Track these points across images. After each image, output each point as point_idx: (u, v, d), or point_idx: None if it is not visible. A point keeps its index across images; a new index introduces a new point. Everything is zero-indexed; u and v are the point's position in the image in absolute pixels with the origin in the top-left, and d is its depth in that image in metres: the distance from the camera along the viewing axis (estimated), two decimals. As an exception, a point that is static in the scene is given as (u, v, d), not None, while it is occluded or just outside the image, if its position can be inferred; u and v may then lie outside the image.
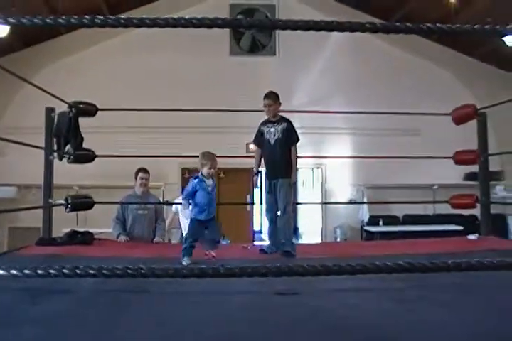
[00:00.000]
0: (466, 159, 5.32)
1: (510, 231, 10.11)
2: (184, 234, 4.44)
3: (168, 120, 8.86)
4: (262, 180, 4.74)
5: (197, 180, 3.70)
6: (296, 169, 4.63)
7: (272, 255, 4.29)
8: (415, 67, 10.69)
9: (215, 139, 9.57)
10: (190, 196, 3.68)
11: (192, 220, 3.72)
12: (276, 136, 4.53)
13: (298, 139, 4.63)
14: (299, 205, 13.06)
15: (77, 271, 2.22)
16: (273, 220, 4.53)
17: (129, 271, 2.22)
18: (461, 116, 5.23)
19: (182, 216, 6.45)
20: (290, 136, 4.58)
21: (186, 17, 2.12)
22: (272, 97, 4.61)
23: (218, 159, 6.73)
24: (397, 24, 2.13)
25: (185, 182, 10.38)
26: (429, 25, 2.09)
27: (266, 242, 4.89)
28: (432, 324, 2.16)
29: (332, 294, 2.72)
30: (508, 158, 10.23)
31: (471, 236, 5.21)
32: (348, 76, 10.46)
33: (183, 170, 10.37)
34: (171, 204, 7.57)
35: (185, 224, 6.98)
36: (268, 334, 2.08)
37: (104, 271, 2.22)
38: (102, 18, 2.01)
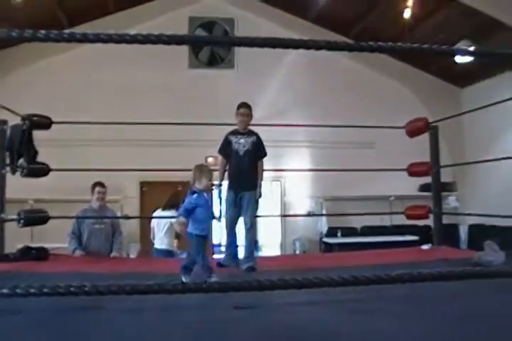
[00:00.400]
0: (419, 171, 5.47)
1: (462, 240, 10.37)
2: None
3: (127, 133, 8.76)
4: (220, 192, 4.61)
5: (195, 195, 3.45)
6: (261, 185, 4.57)
7: (230, 268, 4.26)
8: (372, 82, 10.90)
9: (175, 153, 9.53)
10: (188, 213, 3.41)
11: (195, 237, 3.42)
12: (246, 148, 4.47)
13: (266, 154, 4.61)
14: (258, 218, 13.05)
15: (31, 291, 2.13)
16: (234, 233, 4.47)
17: (86, 288, 2.16)
18: (413, 130, 5.39)
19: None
20: (259, 150, 4.55)
21: (143, 33, 2.11)
22: (249, 108, 4.61)
23: (177, 173, 6.72)
24: (351, 42, 2.20)
25: (144, 195, 10.33)
26: (380, 43, 2.14)
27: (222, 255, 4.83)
28: (384, 335, 2.21)
29: (289, 307, 2.74)
30: (459, 169, 10.54)
31: (425, 246, 5.35)
32: (306, 89, 10.58)
33: (142, 184, 10.26)
34: (130, 218, 7.53)
35: None
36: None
37: (59, 290, 2.14)
38: (44, 32, 2.00)
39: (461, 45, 8.42)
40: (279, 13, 10.73)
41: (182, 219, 3.33)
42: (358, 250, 8.89)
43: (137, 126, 6.93)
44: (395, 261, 4.30)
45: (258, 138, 4.58)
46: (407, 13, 8.89)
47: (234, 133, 4.59)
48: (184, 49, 10.34)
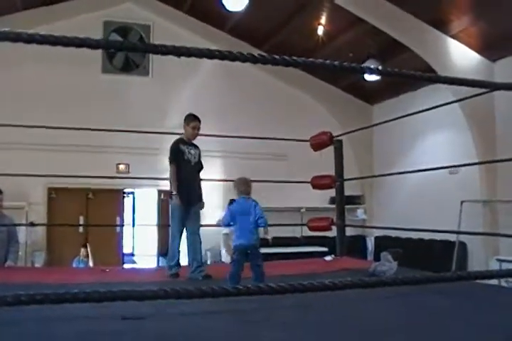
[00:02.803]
0: (323, 184, 5.61)
1: (369, 251, 10.75)
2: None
3: (35, 137, 8.40)
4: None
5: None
6: None
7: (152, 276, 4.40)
8: (286, 95, 11.12)
9: (85, 158, 9.32)
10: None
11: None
12: (196, 159, 4.62)
13: (203, 167, 4.77)
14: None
15: None
16: (179, 243, 4.50)
17: None
18: (318, 143, 5.54)
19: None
20: (201, 163, 4.73)
21: (56, 34, 2.02)
22: (200, 121, 4.70)
23: (88, 179, 6.55)
24: (264, 55, 2.21)
25: (52, 202, 9.93)
26: (295, 58, 2.19)
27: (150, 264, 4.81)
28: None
29: (179, 317, 2.73)
30: (368, 182, 10.96)
31: (328, 257, 5.50)
32: (220, 100, 10.60)
33: (50, 190, 9.89)
34: (36, 225, 7.27)
35: None
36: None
37: None
38: None
39: (368, 63, 8.78)
40: (196, 23, 10.70)
41: None
42: (268, 261, 9.03)
43: (46, 130, 6.65)
44: (297, 272, 4.41)
45: (200, 151, 4.75)
46: (320, 30, 9.18)
47: (183, 143, 4.63)
48: (98, 53, 10.08)
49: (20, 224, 5.78)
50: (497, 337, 2.29)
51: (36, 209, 9.54)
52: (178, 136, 4.72)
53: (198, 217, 4.58)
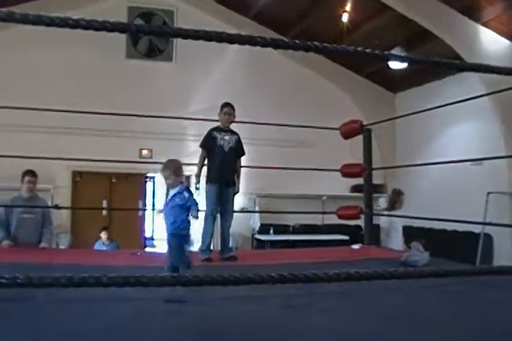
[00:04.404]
0: (352, 172, 5.60)
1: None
2: None
3: (61, 120, 8.46)
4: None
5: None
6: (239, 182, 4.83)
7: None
8: (311, 83, 11.07)
9: (109, 143, 9.40)
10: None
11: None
12: (231, 145, 4.72)
13: (245, 153, 4.94)
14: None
15: None
16: (213, 231, 4.64)
17: (18, 280, 2.08)
18: (348, 131, 5.52)
19: None
20: (240, 149, 4.86)
21: (87, 18, 2.05)
22: (233, 107, 4.82)
23: (112, 164, 6.58)
24: (287, 40, 2.20)
25: (76, 185, 10.07)
26: (316, 43, 2.17)
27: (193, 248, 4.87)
28: (315, 329, 2.28)
29: (221, 302, 2.77)
30: (390, 172, 10.90)
31: (355, 246, 5.51)
32: (243, 86, 10.55)
33: (75, 174, 10.02)
34: (60, 208, 7.34)
35: None
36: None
37: None
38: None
39: (394, 51, 8.69)
40: (220, 8, 10.69)
41: None
42: (290, 248, 9.08)
43: (71, 114, 6.69)
44: (327, 259, 4.42)
45: (239, 137, 4.84)
46: (345, 17, 9.09)
47: (217, 129, 4.78)
48: (122, 39, 10.14)
49: (46, 207, 5.81)
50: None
51: (62, 192, 9.67)
52: (200, 122, 5.06)
53: (231, 200, 4.72)
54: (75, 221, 9.82)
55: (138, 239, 10.65)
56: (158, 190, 15.01)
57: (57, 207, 7.27)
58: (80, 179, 10.06)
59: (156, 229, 15.39)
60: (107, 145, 9.28)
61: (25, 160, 5.58)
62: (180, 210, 3.43)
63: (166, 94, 10.18)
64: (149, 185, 13.64)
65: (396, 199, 6.35)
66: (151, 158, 10.10)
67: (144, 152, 10.20)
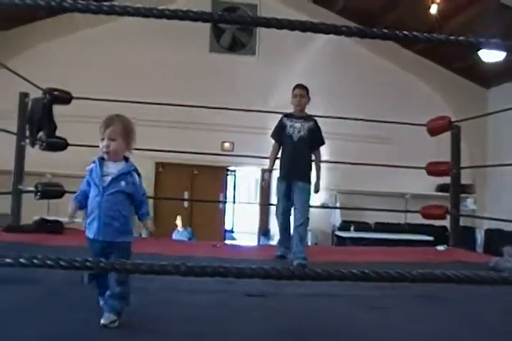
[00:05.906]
0: (439, 170, 5.34)
1: (478, 244, 10.23)
2: None
3: (145, 112, 8.64)
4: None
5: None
6: (320, 177, 4.26)
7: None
8: (395, 77, 10.74)
9: (191, 135, 9.53)
10: None
11: None
12: (302, 133, 4.09)
13: (323, 142, 4.31)
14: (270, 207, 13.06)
15: (48, 262, 2.10)
16: (286, 228, 4.14)
17: (101, 264, 2.10)
18: (435, 128, 5.27)
19: None
20: (316, 137, 4.21)
21: (170, 8, 2.06)
22: (304, 88, 4.22)
23: (193, 156, 6.49)
24: (373, 29, 2.08)
25: (159, 176, 10.33)
26: (405, 32, 2.04)
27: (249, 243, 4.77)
28: (396, 331, 2.17)
29: (300, 298, 2.71)
30: (479, 171, 10.40)
31: (440, 247, 5.26)
32: (327, 80, 10.37)
33: (158, 165, 10.27)
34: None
35: None
36: (222, 333, 2.09)
37: (75, 264, 2.09)
38: (83, 2, 1.95)
39: (492, 44, 8.23)
40: (303, 3, 10.59)
41: None
42: (371, 246, 8.86)
43: (152, 106, 6.83)
44: (410, 260, 4.25)
45: (316, 124, 4.21)
46: (433, 9, 8.68)
47: (289, 116, 4.22)
48: (206, 32, 10.30)
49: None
50: None
51: (145, 182, 9.90)
52: (278, 117, 4.38)
53: (305, 199, 4.03)
54: (158, 211, 10.05)
55: (218, 231, 10.78)
56: (239, 184, 15.23)
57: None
58: (162, 170, 10.30)
59: (236, 222, 15.63)
60: (189, 137, 9.42)
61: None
62: (126, 201, 2.27)
63: (248, 87, 10.20)
64: (230, 178, 13.78)
65: None
66: (232, 151, 10.18)
67: (226, 145, 10.29)
